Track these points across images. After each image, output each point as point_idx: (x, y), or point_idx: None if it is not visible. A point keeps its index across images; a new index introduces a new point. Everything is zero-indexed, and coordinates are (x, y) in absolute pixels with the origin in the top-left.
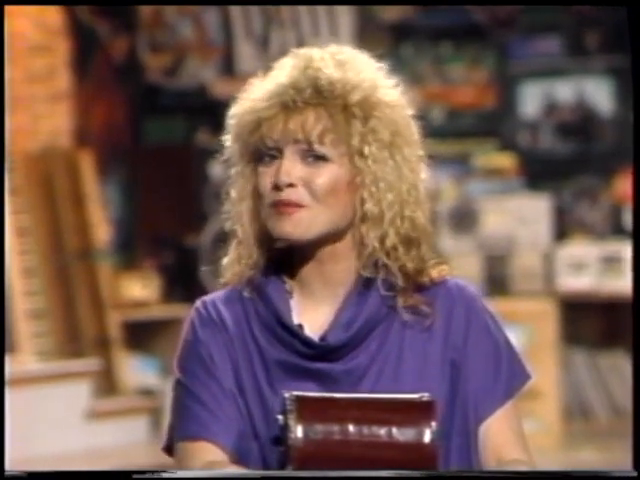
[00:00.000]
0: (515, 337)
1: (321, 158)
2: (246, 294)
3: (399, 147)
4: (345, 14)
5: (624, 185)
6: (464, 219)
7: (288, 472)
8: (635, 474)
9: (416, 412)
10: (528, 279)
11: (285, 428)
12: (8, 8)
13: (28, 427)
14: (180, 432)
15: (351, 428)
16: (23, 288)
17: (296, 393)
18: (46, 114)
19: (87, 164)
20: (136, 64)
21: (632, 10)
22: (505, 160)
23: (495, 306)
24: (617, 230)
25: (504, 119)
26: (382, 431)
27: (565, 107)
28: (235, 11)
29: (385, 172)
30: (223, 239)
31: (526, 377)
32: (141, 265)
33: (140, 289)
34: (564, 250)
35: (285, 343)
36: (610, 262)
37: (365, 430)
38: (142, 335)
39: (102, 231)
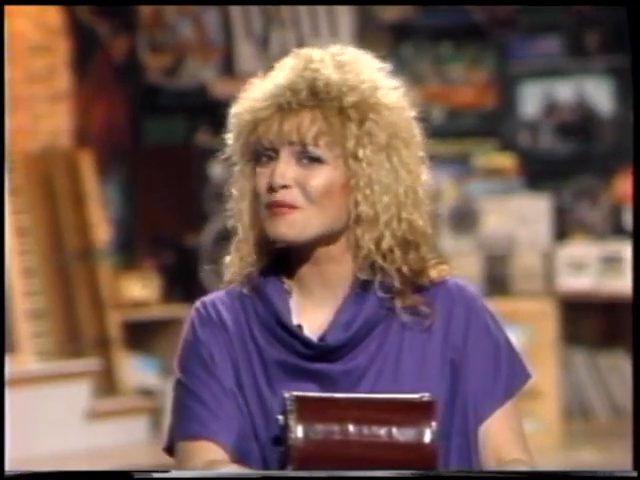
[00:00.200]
0: (515, 337)
1: (316, 160)
2: (245, 294)
3: (396, 149)
4: (345, 14)
5: (624, 185)
6: (464, 219)
7: (288, 472)
8: (635, 474)
9: (416, 412)
10: (528, 279)
11: (285, 428)
12: (8, 8)
13: (28, 427)
14: (181, 432)
15: (351, 428)
16: (23, 288)
17: (296, 393)
18: (46, 114)
19: (87, 164)
20: (136, 64)
21: (632, 10)
22: (505, 160)
23: (495, 306)
24: (617, 230)
25: (504, 119)
26: (382, 431)
27: (565, 107)
28: (235, 11)
29: (380, 175)
30: (223, 239)
31: (526, 376)
32: (141, 265)
33: (140, 289)
34: (564, 250)
35: (284, 343)
36: (610, 262)
37: (365, 430)
38: (142, 335)
39: (102, 231)
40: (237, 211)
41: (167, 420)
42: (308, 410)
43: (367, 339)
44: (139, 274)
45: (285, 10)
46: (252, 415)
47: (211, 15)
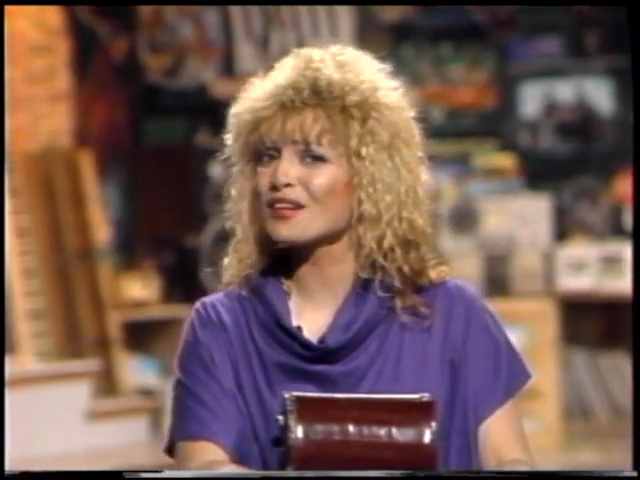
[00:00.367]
0: (515, 337)
1: (319, 159)
2: (245, 295)
3: (398, 149)
4: (345, 15)
5: (624, 185)
6: (464, 219)
7: (288, 472)
8: (635, 474)
9: (416, 412)
10: (528, 279)
11: (285, 428)
12: (8, 8)
13: (28, 427)
14: (180, 432)
15: (351, 428)
16: (23, 288)
17: (296, 393)
18: (46, 114)
19: (87, 164)
20: (136, 64)
21: (632, 10)
22: (505, 160)
23: (495, 306)
24: (617, 230)
25: (504, 119)
26: (382, 431)
27: (565, 107)
28: (235, 11)
29: (383, 173)
30: (223, 239)
31: (526, 377)
32: (141, 265)
33: (140, 289)
34: (564, 250)
35: (284, 345)
36: (610, 262)
37: (365, 430)
38: (142, 335)
39: (102, 231)
40: (236, 212)
41: (167, 421)
42: (308, 410)
43: (367, 340)
44: (139, 274)
45: (285, 10)
46: (252, 416)
47: (211, 15)
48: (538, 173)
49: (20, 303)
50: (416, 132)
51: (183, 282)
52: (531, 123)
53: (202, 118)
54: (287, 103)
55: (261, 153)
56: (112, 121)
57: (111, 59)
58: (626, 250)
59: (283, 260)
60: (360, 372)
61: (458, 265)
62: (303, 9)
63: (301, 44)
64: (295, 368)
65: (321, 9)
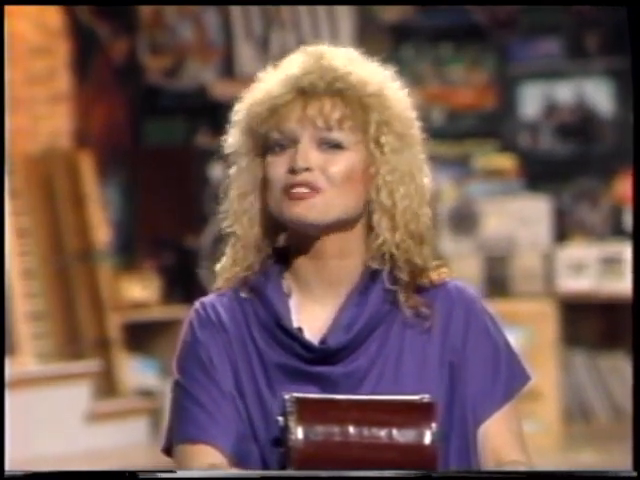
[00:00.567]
0: (515, 338)
1: (337, 146)
2: (244, 295)
3: (409, 144)
4: (345, 15)
5: (624, 186)
6: (464, 220)
7: (288, 472)
8: (635, 474)
9: (416, 413)
10: (528, 280)
11: (285, 430)
12: (8, 10)
13: (28, 428)
14: (179, 435)
15: (351, 429)
16: (23, 290)
17: (296, 395)
18: (46, 115)
19: (87, 165)
20: (136, 65)
21: (632, 10)
22: (505, 161)
23: (495, 307)
24: (617, 231)
25: (504, 120)
26: (382, 432)
27: (565, 108)
28: (235, 12)
29: (400, 162)
30: (223, 240)
31: (525, 379)
32: (141, 266)
33: (140, 290)
34: (564, 251)
35: (284, 346)
36: (610, 263)
37: (365, 431)
38: (142, 336)
39: (102, 232)
40: (235, 212)
41: (166, 421)
42: (308, 411)
43: (368, 341)
44: (139, 275)
45: (285, 11)
46: (252, 417)
47: (211, 16)
48: (538, 174)
49: (20, 304)
50: (419, 132)
51: (183, 283)
52: (531, 124)
53: (202, 119)
54: (306, 88)
55: (273, 143)
56: (112, 122)
57: (111, 60)
58: (626, 251)
59: (282, 259)
60: (361, 373)
61: (458, 266)
62: (303, 10)
63: (301, 45)
64: (296, 369)
65: (321, 10)
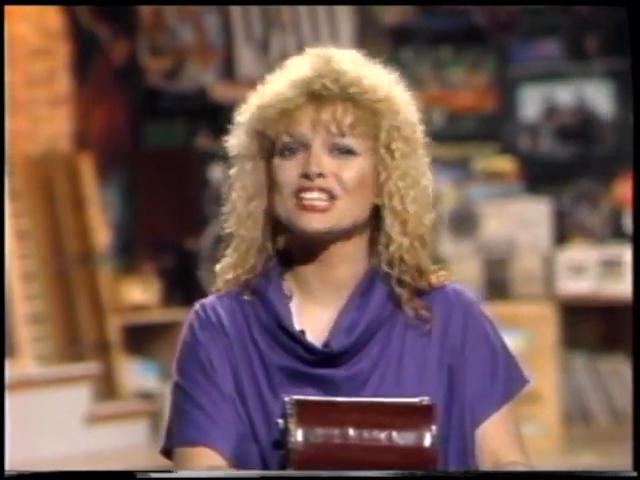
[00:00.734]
0: (515, 341)
1: (348, 151)
2: (245, 297)
3: (415, 148)
4: (345, 18)
5: (624, 189)
6: (464, 223)
7: (287, 472)
8: (635, 474)
9: (416, 416)
10: (528, 283)
11: (285, 432)
12: (8, 12)
13: (28, 431)
14: (179, 437)
15: (351, 432)
16: (23, 292)
17: (296, 397)
18: (46, 118)
19: (87, 168)
20: (136, 67)
21: (632, 10)
22: (505, 164)
23: (495, 310)
24: (617, 234)
25: (504, 123)
26: (382, 435)
27: (565, 110)
28: (235, 14)
29: (409, 167)
30: (224, 242)
31: (524, 381)
32: (141, 269)
33: (140, 293)
34: (564, 254)
35: (287, 348)
36: (610, 266)
37: (365, 434)
38: (142, 339)
39: (102, 235)
40: (238, 215)
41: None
42: (308, 414)
43: (370, 343)
44: (139, 278)
45: (285, 14)
46: (253, 420)
47: (211, 18)
48: (538, 176)
49: (20, 307)
50: (423, 135)
51: (183, 285)
52: (531, 126)
53: (202, 121)
54: (319, 92)
55: (283, 147)
56: (112, 124)
57: (111, 62)
58: (626, 253)
59: (283, 261)
60: (363, 376)
61: (458, 268)
62: (303, 13)
63: (301, 48)
64: (298, 372)
65: (321, 13)
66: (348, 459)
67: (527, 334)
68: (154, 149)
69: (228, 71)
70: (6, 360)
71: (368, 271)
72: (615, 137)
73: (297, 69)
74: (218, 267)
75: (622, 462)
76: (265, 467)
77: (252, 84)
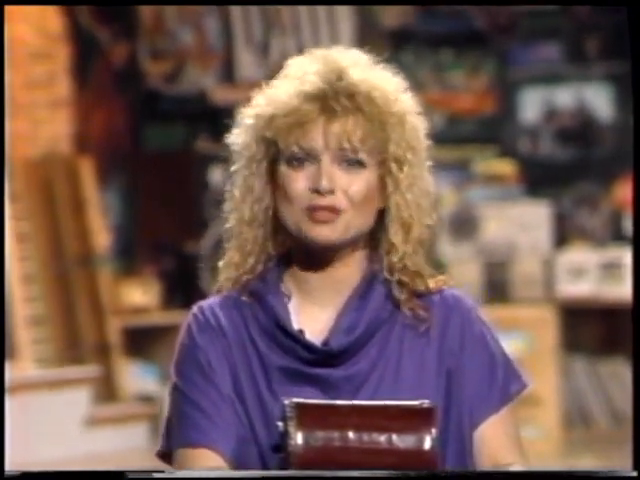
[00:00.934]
0: (515, 344)
1: (357, 164)
2: (244, 299)
3: (419, 155)
4: (345, 20)
5: (624, 191)
6: (464, 225)
7: (287, 472)
8: (635, 474)
9: (416, 419)
10: (528, 285)
11: (285, 435)
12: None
13: (28, 433)
14: (179, 439)
15: (351, 435)
16: (23, 294)
17: (296, 400)
18: (46, 120)
19: (87, 170)
20: (136, 70)
21: (632, 10)
22: (505, 166)
23: (495, 313)
24: (617, 236)
25: (504, 125)
26: (382, 438)
27: (565, 113)
28: (235, 17)
29: (415, 177)
30: (224, 243)
31: (522, 385)
32: (141, 271)
33: (140, 295)
34: (564, 256)
35: (285, 348)
36: (610, 268)
37: (365, 437)
38: (142, 341)
39: (102, 237)
40: (247, 216)
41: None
42: (308, 417)
43: (369, 344)
44: (139, 280)
45: (285, 16)
46: (252, 421)
47: (211, 21)
48: (538, 179)
49: (20, 309)
50: (425, 139)
51: (183, 288)
52: (531, 129)
53: (202, 124)
54: (331, 107)
55: (291, 156)
56: (112, 127)
57: (111, 65)
58: (626, 256)
59: (282, 261)
60: (361, 377)
61: (458, 271)
62: (304, 15)
63: (301, 50)
64: (297, 371)
65: (321, 15)
66: (348, 462)
67: (527, 337)
68: (154, 152)
69: (228, 74)
70: (6, 362)
71: (367, 272)
72: (615, 140)
73: (307, 78)
74: (220, 266)
75: (622, 465)
76: (265, 469)
77: (252, 87)
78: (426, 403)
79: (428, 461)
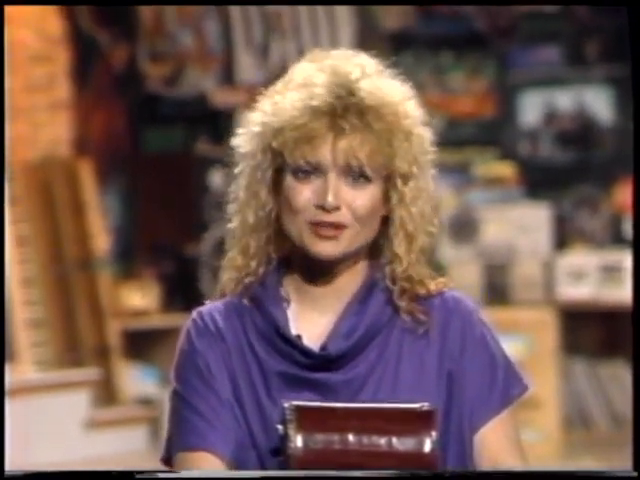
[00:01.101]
0: (515, 346)
1: (363, 179)
2: (243, 304)
3: (424, 167)
4: (345, 23)
5: (624, 194)
6: (464, 228)
7: (287, 472)
8: (635, 474)
9: (416, 421)
10: (528, 288)
11: (285, 438)
12: (8, 17)
13: (27, 436)
14: (179, 443)
15: (351, 438)
16: (23, 297)
17: (296, 403)
18: (46, 123)
19: (87, 173)
20: (136, 73)
21: (632, 10)
22: (505, 169)
23: (495, 315)
24: (617, 239)
25: (504, 128)
26: (382, 441)
27: (565, 116)
28: (235, 20)
29: (421, 189)
30: (223, 248)
31: (523, 388)
32: (141, 274)
33: (140, 298)
34: (564, 259)
35: (284, 354)
36: (610, 271)
37: (365, 440)
38: (142, 344)
39: (102, 240)
40: (251, 222)
41: (165, 430)
42: (308, 420)
43: (367, 348)
44: (139, 283)
45: (285, 19)
46: (251, 426)
47: (211, 24)
48: (538, 182)
49: (20, 312)
50: (431, 148)
51: (183, 291)
52: (531, 132)
53: (202, 127)
54: (342, 124)
55: (297, 169)
56: (112, 130)
57: (111, 68)
58: (626, 259)
59: (281, 266)
60: (360, 380)
61: (458, 273)
62: (304, 18)
63: (301, 53)
64: (295, 376)
65: (321, 18)
66: (347, 465)
67: (527, 339)
68: (154, 154)
69: (228, 77)
70: (6, 365)
71: (367, 278)
72: (615, 142)
73: (316, 91)
74: (223, 267)
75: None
76: None
77: (252, 89)
78: (426, 405)
79: (428, 464)
